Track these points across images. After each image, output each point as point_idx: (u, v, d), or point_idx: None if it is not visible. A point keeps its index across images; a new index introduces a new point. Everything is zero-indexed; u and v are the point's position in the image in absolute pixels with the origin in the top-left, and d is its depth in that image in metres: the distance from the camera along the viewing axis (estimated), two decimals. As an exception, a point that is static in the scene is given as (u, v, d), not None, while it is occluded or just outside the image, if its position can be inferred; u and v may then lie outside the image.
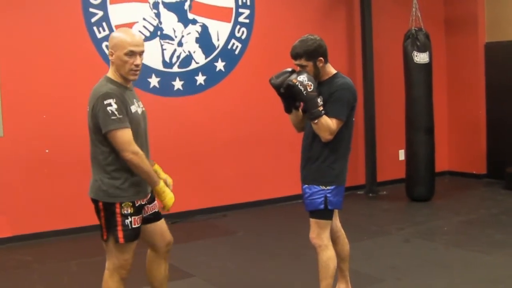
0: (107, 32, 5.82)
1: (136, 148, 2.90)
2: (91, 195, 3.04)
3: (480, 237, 5.26)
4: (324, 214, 3.37)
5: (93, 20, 5.77)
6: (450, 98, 8.20)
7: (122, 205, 2.96)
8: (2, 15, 5.39)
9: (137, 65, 2.99)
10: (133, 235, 3.01)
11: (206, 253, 5.06)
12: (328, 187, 3.33)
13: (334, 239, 3.62)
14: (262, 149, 6.79)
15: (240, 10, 6.58)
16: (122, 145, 2.87)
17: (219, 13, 6.46)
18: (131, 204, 2.98)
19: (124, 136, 2.88)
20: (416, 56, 6.60)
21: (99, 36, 5.80)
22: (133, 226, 3.00)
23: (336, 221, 3.64)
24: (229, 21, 6.53)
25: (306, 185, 3.41)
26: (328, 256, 3.39)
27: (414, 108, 6.71)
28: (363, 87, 7.23)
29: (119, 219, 2.96)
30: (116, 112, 2.85)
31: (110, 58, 3.01)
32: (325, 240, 3.39)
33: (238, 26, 6.58)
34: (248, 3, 6.63)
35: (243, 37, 6.62)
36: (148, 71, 5.96)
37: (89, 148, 3.06)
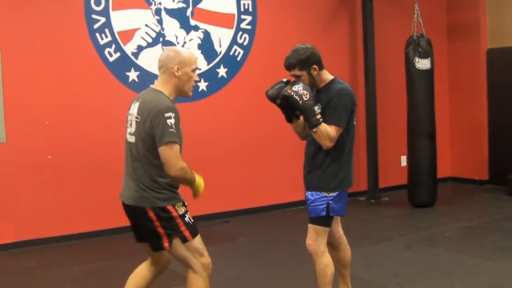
0: (109, 38, 5.84)
1: (183, 163, 2.88)
2: (138, 204, 2.94)
3: (482, 243, 5.25)
4: (324, 220, 3.35)
5: (95, 26, 5.79)
6: (452, 104, 8.20)
7: (176, 207, 2.96)
8: (5, 21, 5.42)
9: (196, 81, 3.09)
10: (196, 230, 3.03)
11: (208, 259, 5.06)
12: (331, 194, 3.32)
13: (336, 246, 3.63)
14: (264, 155, 6.79)
15: (242, 17, 6.60)
16: (173, 160, 2.83)
17: (221, 20, 6.48)
18: (181, 204, 3.01)
19: (176, 150, 2.85)
20: (418, 62, 6.61)
21: (101, 42, 5.82)
22: (192, 222, 3.02)
23: (338, 227, 3.63)
24: (231, 28, 6.55)
25: (309, 192, 3.39)
26: (324, 263, 3.36)
27: (416, 114, 6.72)
28: (365, 93, 7.24)
29: (179, 220, 2.95)
30: (174, 126, 2.85)
31: (175, 73, 2.97)
32: (322, 247, 3.36)
33: (240, 33, 6.60)
34: (250, 9, 6.65)
35: (245, 43, 6.64)
36: (150, 77, 5.97)
37: (130, 156, 3.00)
